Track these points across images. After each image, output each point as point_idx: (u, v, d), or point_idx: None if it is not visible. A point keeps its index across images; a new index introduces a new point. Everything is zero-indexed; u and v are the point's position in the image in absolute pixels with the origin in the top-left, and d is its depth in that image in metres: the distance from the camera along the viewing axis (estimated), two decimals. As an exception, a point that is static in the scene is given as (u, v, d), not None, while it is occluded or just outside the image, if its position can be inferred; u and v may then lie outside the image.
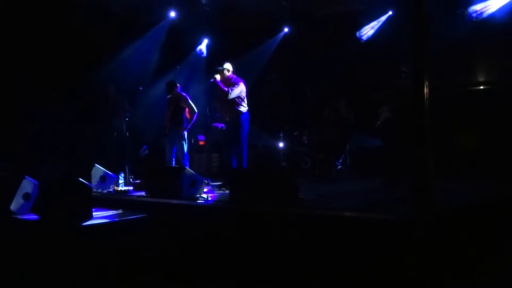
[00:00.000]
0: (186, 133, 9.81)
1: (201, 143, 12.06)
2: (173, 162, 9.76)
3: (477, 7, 10.48)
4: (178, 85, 9.95)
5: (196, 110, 9.74)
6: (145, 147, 10.06)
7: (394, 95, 7.49)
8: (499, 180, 8.17)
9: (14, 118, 9.86)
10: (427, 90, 5.64)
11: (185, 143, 9.79)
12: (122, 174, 9.20)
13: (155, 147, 10.52)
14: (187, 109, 9.72)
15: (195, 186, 7.63)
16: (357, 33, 12.30)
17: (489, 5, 10.41)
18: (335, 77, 11.69)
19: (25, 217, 6.85)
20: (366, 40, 12.28)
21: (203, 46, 13.69)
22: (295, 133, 12.24)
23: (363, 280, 4.66)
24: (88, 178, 8.72)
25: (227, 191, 7.94)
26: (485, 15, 10.46)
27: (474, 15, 10.51)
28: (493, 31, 10.13)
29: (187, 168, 7.78)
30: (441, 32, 9.51)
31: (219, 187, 8.93)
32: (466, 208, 6.03)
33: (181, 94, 9.87)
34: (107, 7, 10.55)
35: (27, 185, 7.22)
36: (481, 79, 11.05)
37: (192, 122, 9.76)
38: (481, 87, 11.00)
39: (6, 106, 9.72)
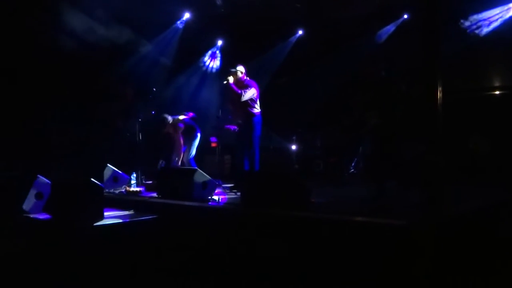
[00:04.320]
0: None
1: (213, 145, 12.06)
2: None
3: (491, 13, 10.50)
4: (168, 118, 10.10)
5: (181, 145, 10.02)
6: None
7: (381, 100, 7.38)
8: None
9: (28, 117, 9.92)
10: (441, 95, 5.62)
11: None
12: (134, 175, 9.22)
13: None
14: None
15: (207, 188, 7.63)
16: (377, 35, 12.27)
17: (503, 11, 10.42)
18: (347, 81, 11.64)
19: (37, 216, 6.89)
20: (381, 42, 12.24)
21: (217, 48, 13.76)
22: (308, 136, 12.21)
23: (373, 284, 4.64)
24: (101, 178, 8.75)
25: (238, 194, 7.93)
26: (500, 20, 10.44)
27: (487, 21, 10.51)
28: (508, 35, 10.07)
29: (199, 170, 7.78)
30: (455, 37, 9.51)
31: (230, 189, 8.93)
32: (477, 214, 5.99)
33: (177, 125, 10.07)
34: (122, 8, 10.59)
35: (39, 184, 7.27)
36: (495, 84, 10.99)
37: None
38: (495, 92, 10.94)
39: (20, 106, 9.78)
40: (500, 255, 5.09)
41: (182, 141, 9.97)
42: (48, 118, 10.05)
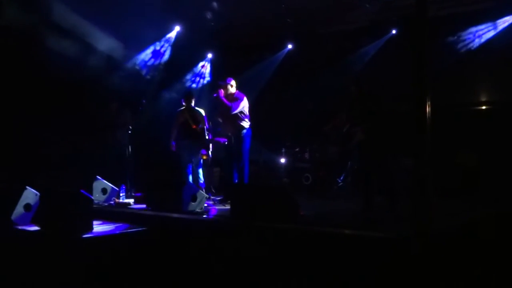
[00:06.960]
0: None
1: (203, 157, 12.06)
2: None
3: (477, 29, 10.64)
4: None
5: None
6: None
7: (365, 115, 7.45)
8: (498, 200, 8.18)
9: (17, 129, 9.88)
10: (429, 109, 5.68)
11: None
12: (124, 187, 9.19)
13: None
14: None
15: (196, 200, 7.64)
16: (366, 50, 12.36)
17: (489, 28, 10.56)
18: (337, 95, 11.71)
19: (25, 227, 6.85)
20: (368, 59, 12.31)
21: (207, 61, 13.82)
22: (297, 149, 12.24)
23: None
24: (90, 190, 8.72)
25: (228, 206, 7.95)
26: (486, 36, 10.57)
27: (473, 37, 10.65)
28: (494, 52, 10.19)
29: (189, 181, 7.79)
30: (443, 52, 9.61)
31: (220, 201, 8.94)
32: (463, 228, 6.04)
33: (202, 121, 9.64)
34: (112, 21, 10.63)
35: (28, 195, 7.23)
36: (482, 99, 11.09)
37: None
38: (482, 107, 11.03)
39: (9, 117, 9.74)
40: (488, 268, 5.13)
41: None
42: (38, 130, 10.01)
